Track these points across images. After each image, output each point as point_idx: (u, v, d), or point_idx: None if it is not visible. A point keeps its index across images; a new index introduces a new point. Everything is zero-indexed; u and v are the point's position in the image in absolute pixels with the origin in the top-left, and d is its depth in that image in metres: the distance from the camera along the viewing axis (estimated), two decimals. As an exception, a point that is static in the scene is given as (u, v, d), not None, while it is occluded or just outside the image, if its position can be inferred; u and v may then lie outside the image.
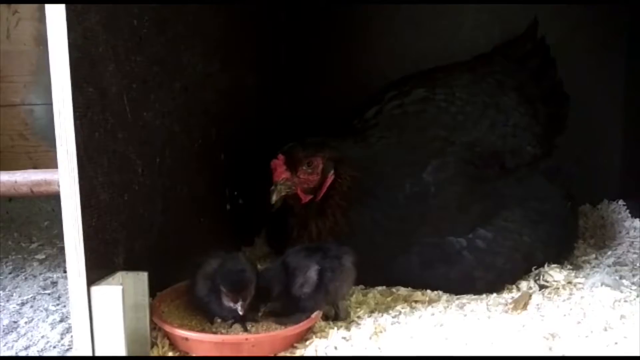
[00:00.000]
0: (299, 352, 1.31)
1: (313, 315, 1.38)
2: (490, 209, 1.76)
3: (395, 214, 1.68)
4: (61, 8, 1.13)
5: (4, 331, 1.49)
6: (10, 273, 1.96)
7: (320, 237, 1.68)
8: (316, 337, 1.36)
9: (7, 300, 1.71)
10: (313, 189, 1.70)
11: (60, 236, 1.39)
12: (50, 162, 1.92)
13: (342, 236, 1.66)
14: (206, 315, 1.41)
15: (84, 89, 1.20)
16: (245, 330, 1.35)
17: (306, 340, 1.35)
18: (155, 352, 1.30)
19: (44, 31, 1.15)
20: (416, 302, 1.59)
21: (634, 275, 1.73)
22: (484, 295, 1.64)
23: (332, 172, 1.70)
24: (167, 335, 1.34)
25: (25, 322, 1.55)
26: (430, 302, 1.59)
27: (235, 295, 1.32)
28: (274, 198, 1.64)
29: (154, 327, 1.34)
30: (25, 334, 1.47)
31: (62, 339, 1.43)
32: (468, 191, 1.75)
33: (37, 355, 1.37)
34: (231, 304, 1.33)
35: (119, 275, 1.28)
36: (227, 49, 1.91)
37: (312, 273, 1.41)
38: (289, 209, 1.75)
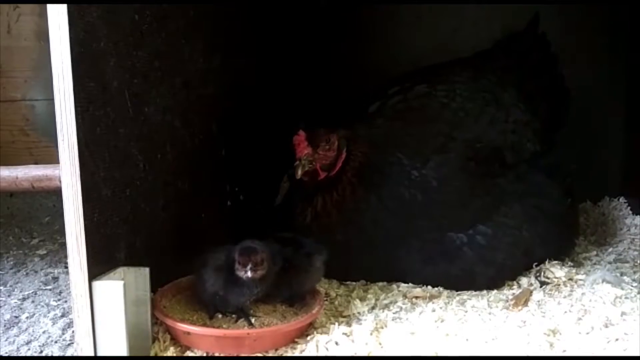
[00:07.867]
0: (300, 347, 1.32)
1: (314, 311, 1.38)
2: (490, 205, 1.76)
3: (399, 194, 1.70)
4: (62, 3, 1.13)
5: (5, 326, 1.50)
6: (11, 268, 1.96)
7: (325, 209, 1.69)
8: (317, 332, 1.36)
9: (9, 296, 1.71)
10: (329, 165, 1.71)
11: (61, 232, 1.39)
12: (51, 158, 1.92)
13: (346, 212, 1.68)
14: (208, 310, 1.41)
15: (86, 83, 1.19)
16: (250, 324, 1.35)
17: (307, 335, 1.36)
18: (156, 347, 1.30)
19: (45, 26, 1.15)
20: (417, 298, 1.59)
21: (634, 272, 1.73)
22: (485, 292, 1.65)
23: (344, 149, 1.72)
24: (168, 330, 1.35)
25: (27, 317, 1.55)
26: (431, 298, 1.59)
27: (245, 258, 1.31)
28: (299, 173, 1.64)
29: (155, 321, 1.35)
30: (26, 329, 1.48)
31: (63, 334, 1.44)
32: (468, 187, 1.75)
33: (39, 349, 1.37)
34: (242, 272, 1.31)
35: (121, 270, 1.28)
36: (228, 44, 1.90)
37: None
38: (293, 200, 1.74)
